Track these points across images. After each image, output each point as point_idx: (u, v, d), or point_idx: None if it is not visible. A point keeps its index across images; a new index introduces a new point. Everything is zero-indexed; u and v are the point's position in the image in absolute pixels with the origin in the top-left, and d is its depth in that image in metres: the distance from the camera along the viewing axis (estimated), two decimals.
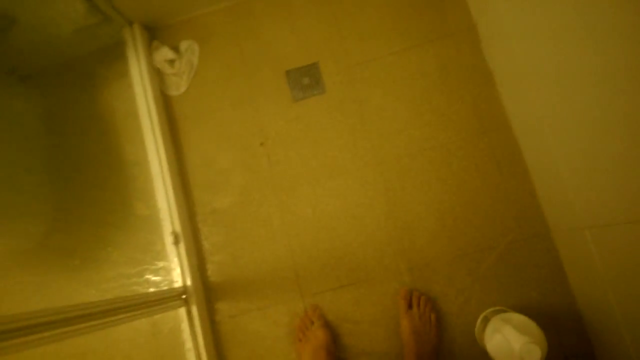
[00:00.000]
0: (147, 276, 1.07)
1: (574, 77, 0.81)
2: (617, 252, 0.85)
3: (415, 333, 1.06)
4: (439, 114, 1.20)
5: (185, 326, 1.10)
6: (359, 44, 1.27)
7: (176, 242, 1.15)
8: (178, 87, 1.33)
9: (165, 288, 1.09)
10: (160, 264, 1.11)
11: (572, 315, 1.08)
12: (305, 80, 1.28)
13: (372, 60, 1.26)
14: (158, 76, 1.33)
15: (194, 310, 1.11)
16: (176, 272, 1.13)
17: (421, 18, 1.25)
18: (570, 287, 1.09)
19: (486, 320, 1.05)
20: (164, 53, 1.31)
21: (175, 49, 1.34)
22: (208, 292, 1.19)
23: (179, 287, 1.11)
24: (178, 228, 1.16)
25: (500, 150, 1.16)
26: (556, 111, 0.91)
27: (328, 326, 1.13)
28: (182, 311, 1.10)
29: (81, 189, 1.04)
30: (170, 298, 1.05)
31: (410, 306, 1.10)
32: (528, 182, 1.14)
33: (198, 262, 1.21)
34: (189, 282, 1.13)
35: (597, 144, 0.81)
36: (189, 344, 1.09)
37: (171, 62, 1.32)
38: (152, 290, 1.10)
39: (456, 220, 1.15)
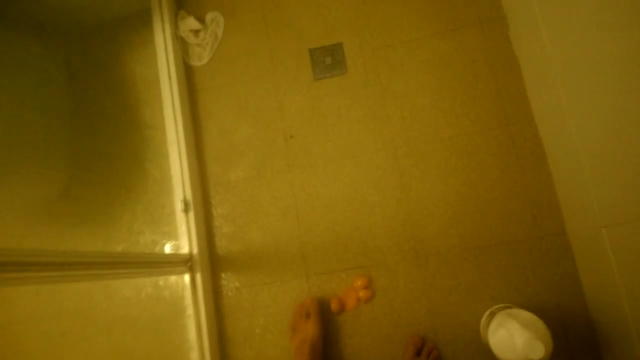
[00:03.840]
0: (153, 237, 1.08)
1: (603, 71, 0.78)
2: (633, 252, 0.81)
3: None
4: (461, 103, 1.18)
5: (188, 293, 1.10)
6: (385, 26, 1.25)
7: (186, 209, 1.15)
8: (200, 57, 1.33)
9: (171, 252, 1.09)
10: (168, 228, 1.12)
11: (582, 319, 1.04)
12: (328, 59, 1.27)
13: (397, 44, 1.24)
14: (182, 46, 1.34)
15: (198, 278, 1.11)
16: (183, 239, 1.14)
17: (450, 4, 1.22)
18: (583, 289, 1.05)
19: (492, 315, 1.02)
20: (190, 23, 1.31)
21: (201, 20, 1.34)
22: (213, 262, 1.20)
23: (185, 254, 1.12)
24: (189, 196, 1.16)
25: (521, 143, 1.13)
26: (582, 105, 0.87)
27: (322, 322, 1.11)
28: (186, 278, 1.11)
29: (97, 142, 1.05)
30: (175, 263, 1.05)
31: (418, 354, 1.06)
32: (547, 177, 1.11)
33: (206, 231, 1.21)
34: (195, 250, 1.13)
35: (622, 139, 0.77)
36: (189, 311, 1.09)
37: (196, 32, 1.33)
38: (156, 251, 1.10)
39: (471, 212, 1.12)
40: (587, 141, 0.89)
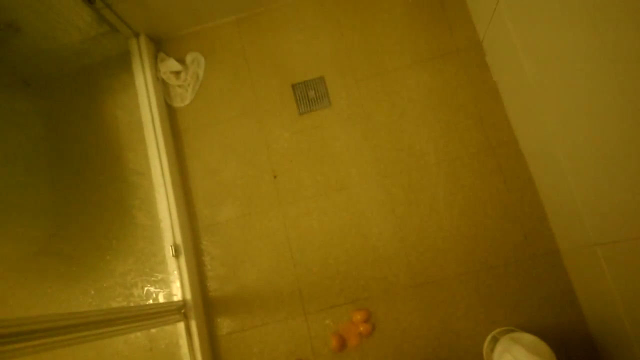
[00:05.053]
0: (146, 287, 1.04)
1: (590, 88, 0.80)
2: (631, 269, 0.82)
3: None
4: (445, 129, 1.19)
5: (184, 342, 1.06)
6: (365, 59, 1.27)
7: (176, 254, 1.12)
8: (183, 98, 1.33)
9: (164, 301, 1.05)
10: (160, 275, 1.08)
11: (581, 335, 1.04)
12: (311, 93, 1.28)
13: (379, 75, 1.26)
14: (163, 87, 1.33)
15: (193, 325, 1.08)
16: (175, 285, 1.10)
17: (427, 34, 1.26)
18: (580, 305, 1.06)
19: (495, 340, 1.02)
20: (170, 65, 1.31)
21: (181, 61, 1.34)
22: (208, 307, 1.16)
23: (178, 301, 1.08)
24: (179, 240, 1.13)
25: (507, 165, 1.15)
26: (567, 124, 0.90)
27: None
28: (181, 326, 1.07)
29: (82, 195, 1.02)
30: (168, 312, 1.02)
31: None
32: (536, 198, 1.13)
33: (198, 275, 1.18)
34: (188, 296, 1.09)
35: (612, 157, 0.79)
36: None
37: (177, 74, 1.32)
38: (150, 302, 1.06)
39: (463, 237, 1.13)
40: (575, 161, 0.92)
